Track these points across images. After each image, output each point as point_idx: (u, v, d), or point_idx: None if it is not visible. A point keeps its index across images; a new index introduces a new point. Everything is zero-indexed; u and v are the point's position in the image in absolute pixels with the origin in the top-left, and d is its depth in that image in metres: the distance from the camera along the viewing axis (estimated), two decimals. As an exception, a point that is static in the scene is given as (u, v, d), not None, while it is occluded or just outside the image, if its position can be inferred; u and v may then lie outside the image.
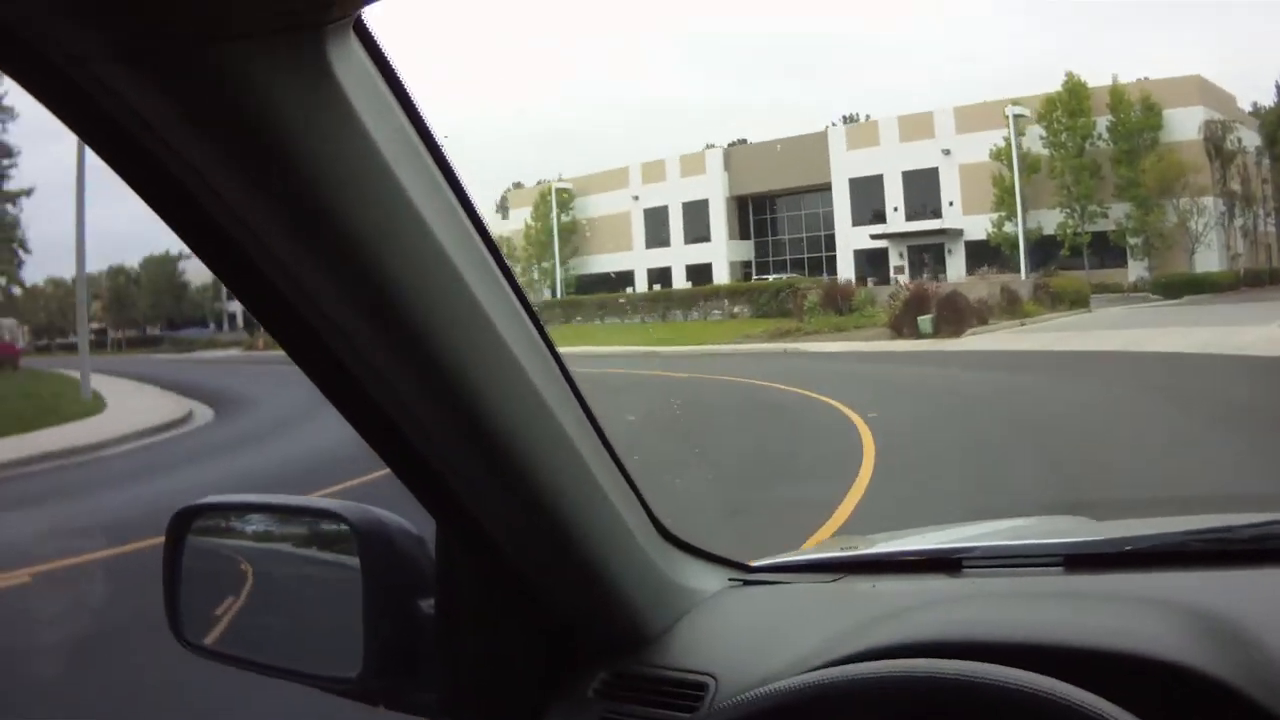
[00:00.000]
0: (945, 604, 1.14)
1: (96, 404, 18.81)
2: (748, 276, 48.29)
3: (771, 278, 44.10)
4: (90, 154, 0.89)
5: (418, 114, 0.82)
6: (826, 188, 47.15)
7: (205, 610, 1.15)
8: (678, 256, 51.26)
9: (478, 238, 0.89)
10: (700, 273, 49.18)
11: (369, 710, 1.14)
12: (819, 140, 48.06)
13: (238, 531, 1.20)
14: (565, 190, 52.94)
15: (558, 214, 51.18)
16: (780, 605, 1.24)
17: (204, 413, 17.57)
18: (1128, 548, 1.20)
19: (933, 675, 0.86)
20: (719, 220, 50.80)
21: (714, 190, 50.81)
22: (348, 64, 0.73)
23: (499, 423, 0.93)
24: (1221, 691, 0.86)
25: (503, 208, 56.41)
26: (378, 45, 0.77)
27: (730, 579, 1.29)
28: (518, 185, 57.03)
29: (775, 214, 51.58)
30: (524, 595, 1.11)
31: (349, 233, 0.77)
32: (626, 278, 51.34)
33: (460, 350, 0.87)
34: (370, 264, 0.79)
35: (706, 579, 1.25)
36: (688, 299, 41.87)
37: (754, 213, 51.70)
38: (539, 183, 54.85)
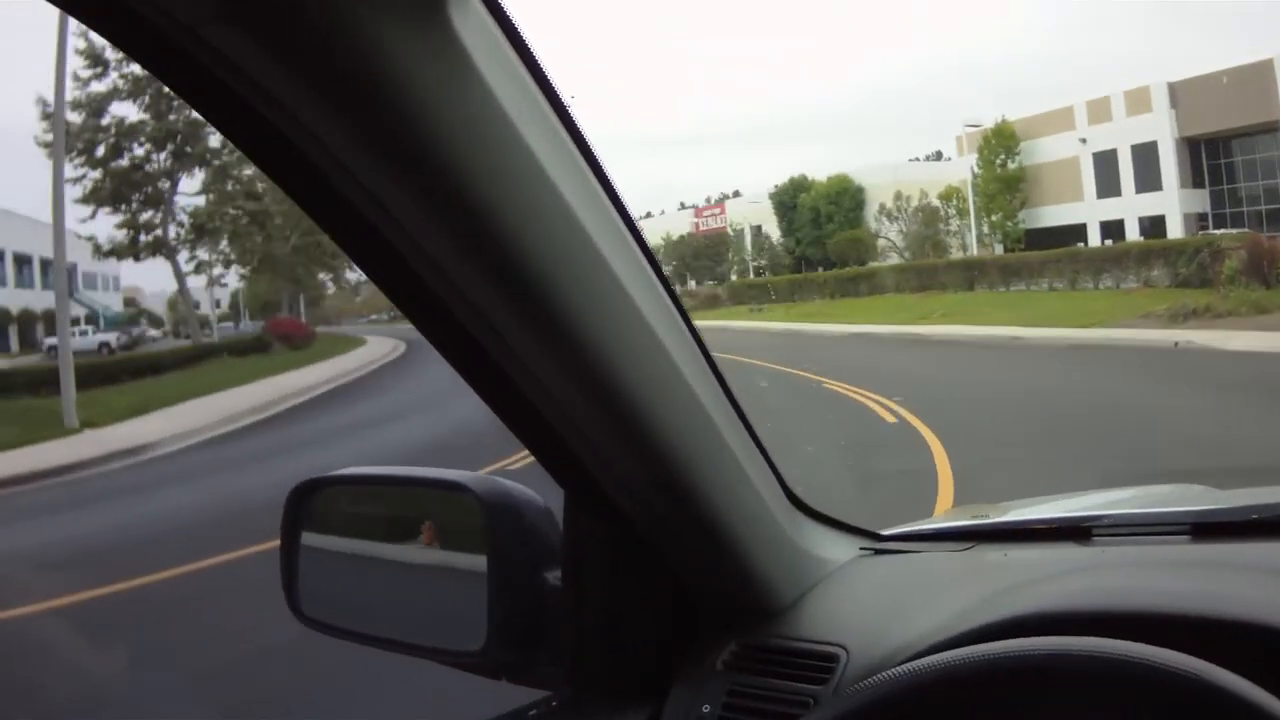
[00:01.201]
0: (1076, 573, 1.12)
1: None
2: (1204, 230, 38.62)
3: (1219, 232, 34.50)
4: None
5: (545, 78, 0.79)
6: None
7: (326, 585, 1.12)
8: (1129, 208, 43.64)
9: (611, 206, 0.87)
10: (1154, 225, 41.13)
11: (491, 683, 1.12)
12: (1264, 70, 39.13)
13: (360, 504, 1.17)
14: (1007, 130, 46.17)
15: (1002, 159, 44.99)
16: (912, 575, 1.24)
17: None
18: (1254, 515, 1.18)
19: (1067, 653, 0.84)
20: (1169, 165, 42.81)
21: (1161, 131, 42.93)
22: (468, 23, 0.69)
23: (630, 390, 0.92)
24: None
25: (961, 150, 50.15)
26: (500, 5, 0.74)
27: (861, 548, 1.27)
28: (972, 127, 48.83)
29: (1230, 158, 42.89)
30: (652, 566, 1.09)
31: (479, 202, 0.75)
32: (1077, 232, 43.51)
33: (592, 318, 0.86)
34: (500, 231, 0.77)
35: (838, 548, 1.24)
36: (1097, 260, 32.63)
37: (1206, 157, 43.16)
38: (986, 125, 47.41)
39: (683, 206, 71.03)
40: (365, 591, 1.15)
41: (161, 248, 34.97)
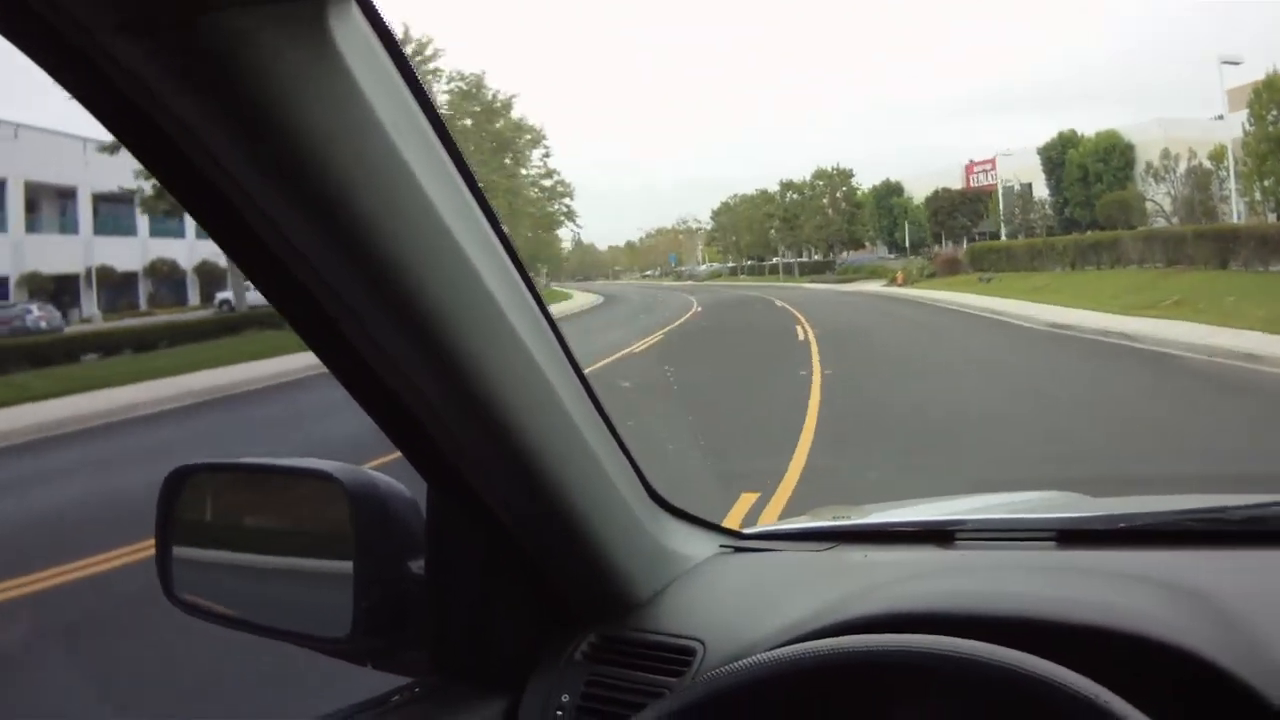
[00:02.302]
0: (936, 575, 1.13)
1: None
2: None
3: None
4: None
5: (420, 87, 0.82)
6: None
7: (199, 570, 1.16)
8: None
9: (479, 211, 0.89)
10: None
11: (359, 669, 1.14)
12: None
13: (232, 492, 1.21)
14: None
15: (1275, 116, 34.78)
16: (771, 572, 1.24)
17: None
18: (1122, 525, 1.19)
19: (925, 651, 0.85)
20: None
21: None
22: (350, 35, 0.72)
23: (489, 387, 0.93)
24: (1212, 674, 0.85)
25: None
26: (379, 16, 0.77)
27: (722, 545, 1.28)
28: (1231, 63, 38.32)
29: None
30: (513, 558, 1.11)
31: (352, 206, 0.77)
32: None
33: (453, 315, 0.87)
34: (366, 230, 0.79)
35: (698, 545, 1.25)
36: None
37: None
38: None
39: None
40: (237, 578, 1.17)
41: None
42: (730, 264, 77.80)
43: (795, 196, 64.99)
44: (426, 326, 0.86)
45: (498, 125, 40.86)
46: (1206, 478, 5.63)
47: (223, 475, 1.21)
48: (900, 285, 39.17)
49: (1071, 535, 1.20)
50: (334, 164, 0.74)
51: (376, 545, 1.09)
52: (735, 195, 74.94)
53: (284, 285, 0.87)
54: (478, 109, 39.79)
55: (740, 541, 1.30)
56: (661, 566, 1.17)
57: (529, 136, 43.44)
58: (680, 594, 1.17)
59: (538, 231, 44.65)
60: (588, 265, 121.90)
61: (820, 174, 64.86)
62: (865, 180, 65.00)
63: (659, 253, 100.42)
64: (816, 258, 65.24)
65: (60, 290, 37.37)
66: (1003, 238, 48.04)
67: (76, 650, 4.60)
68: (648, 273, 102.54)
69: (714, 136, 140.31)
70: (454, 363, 0.89)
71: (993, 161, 55.57)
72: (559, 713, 1.11)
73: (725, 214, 76.10)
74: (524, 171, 42.11)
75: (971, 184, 56.38)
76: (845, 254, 63.05)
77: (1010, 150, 53.09)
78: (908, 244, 54.86)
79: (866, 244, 62.55)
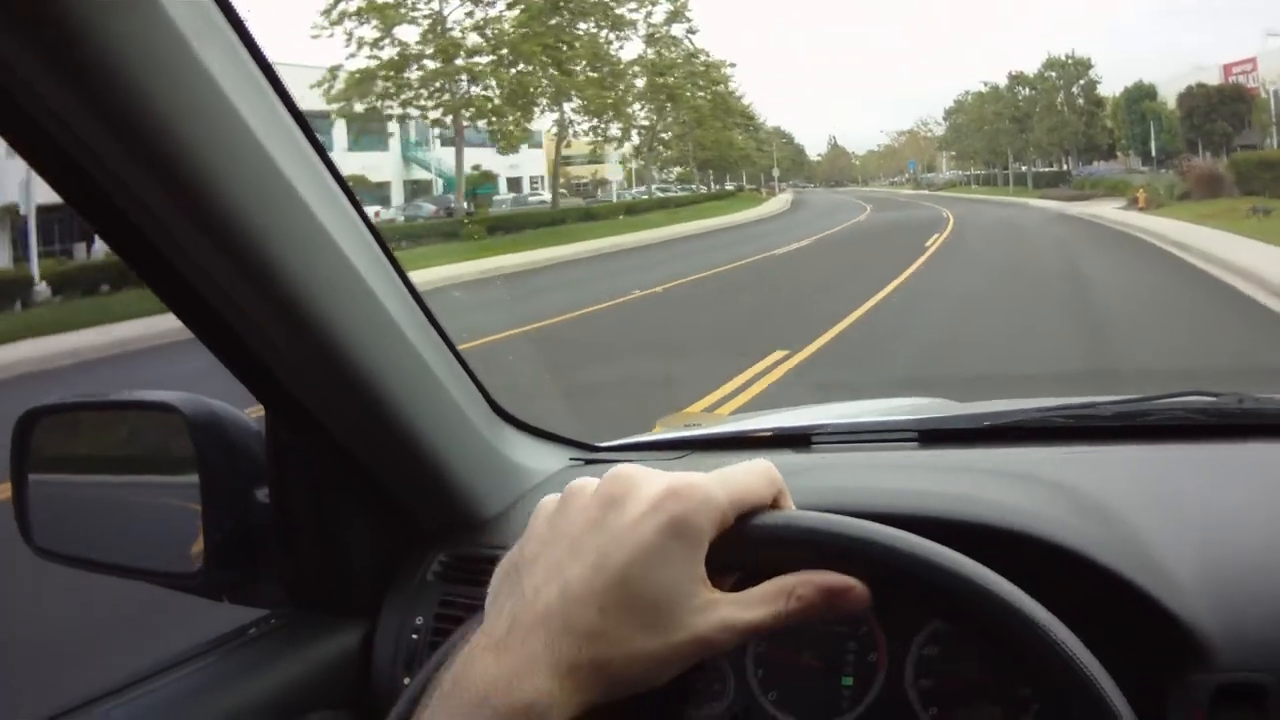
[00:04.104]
0: (791, 475, 1.05)
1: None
2: None
3: None
4: None
5: (247, 33, 0.80)
6: None
7: (55, 514, 1.14)
8: None
9: (299, 133, 0.87)
10: None
11: (215, 604, 1.11)
12: None
13: (82, 431, 1.19)
14: None
15: None
16: None
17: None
18: (986, 423, 1.17)
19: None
20: None
21: None
22: None
23: (316, 303, 0.90)
24: (1079, 564, 0.84)
25: None
26: None
27: (572, 459, 1.26)
28: None
29: None
30: (356, 480, 1.08)
31: (174, 133, 0.75)
32: None
33: (274, 234, 0.85)
34: (185, 157, 0.77)
35: (547, 459, 1.23)
36: None
37: None
38: None
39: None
40: (90, 519, 1.16)
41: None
42: (965, 173, 70.21)
43: (1026, 92, 55.89)
44: (246, 243, 0.83)
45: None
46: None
47: (71, 414, 1.19)
48: (1141, 209, 27.45)
49: (934, 435, 1.18)
50: (160, 104, 0.73)
51: (220, 476, 1.07)
52: (968, 92, 67.36)
53: (95, 199, 0.84)
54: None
55: (592, 454, 1.28)
56: (509, 482, 1.15)
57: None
58: (527, 508, 1.12)
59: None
60: (838, 171, 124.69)
61: (1053, 63, 54.70)
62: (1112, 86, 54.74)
63: (903, 158, 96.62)
64: (1057, 168, 54.89)
65: None
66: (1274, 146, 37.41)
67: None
68: (895, 179, 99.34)
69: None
70: (278, 280, 0.86)
71: (1253, 61, 45.94)
72: (414, 635, 1.09)
73: (958, 113, 68.07)
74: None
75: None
76: (1096, 164, 52.76)
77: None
78: (1158, 155, 47.58)
79: (1119, 154, 53.88)
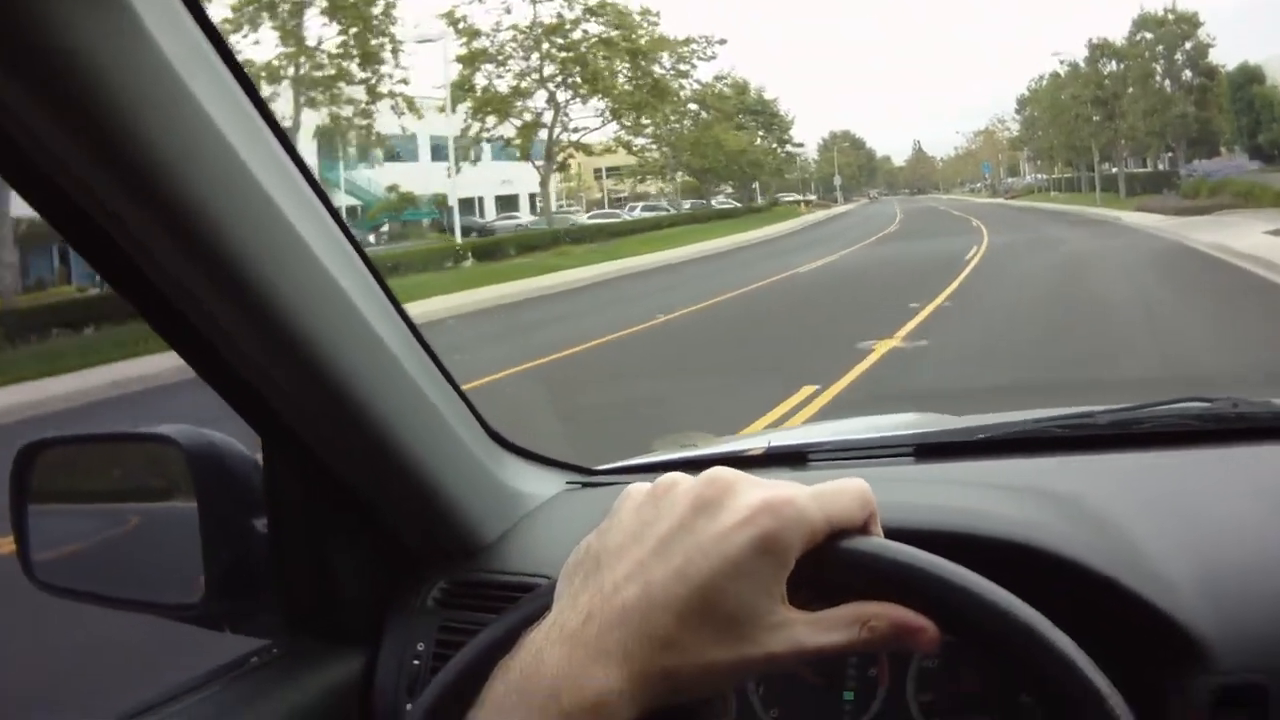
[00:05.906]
0: None
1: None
2: None
3: None
4: None
5: (214, 29, 0.79)
6: None
7: (55, 548, 1.14)
8: None
9: (283, 153, 0.87)
10: None
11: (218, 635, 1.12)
12: None
13: (81, 465, 1.20)
14: None
15: None
16: None
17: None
18: (981, 435, 1.17)
19: None
20: None
21: None
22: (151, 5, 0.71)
23: (311, 335, 0.91)
24: (1077, 572, 0.84)
25: None
26: None
27: (569, 482, 1.27)
28: None
29: None
30: (354, 509, 1.09)
31: (150, 153, 0.74)
32: None
33: (268, 264, 0.85)
34: (172, 184, 0.77)
35: (544, 484, 1.23)
36: None
37: None
38: None
39: None
40: (90, 553, 1.17)
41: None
42: (1044, 177, 57.22)
43: (1113, 66, 41.90)
44: (238, 272, 0.83)
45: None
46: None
47: (70, 448, 1.20)
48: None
49: (929, 449, 1.18)
50: (124, 102, 0.71)
51: (219, 506, 1.07)
52: (1042, 76, 54.39)
53: (99, 241, 0.84)
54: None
55: (588, 477, 1.29)
56: (507, 507, 1.16)
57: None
58: (527, 533, 1.15)
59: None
60: (920, 177, 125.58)
61: (1147, 20, 39.70)
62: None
63: (978, 161, 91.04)
64: (1154, 167, 42.17)
65: None
66: None
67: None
68: (973, 185, 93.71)
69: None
70: (264, 307, 0.87)
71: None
72: (415, 662, 1.09)
73: (1032, 103, 57.19)
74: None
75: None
76: (1196, 161, 38.61)
77: None
78: (1267, 148, 39.19)
79: (1222, 149, 42.76)
